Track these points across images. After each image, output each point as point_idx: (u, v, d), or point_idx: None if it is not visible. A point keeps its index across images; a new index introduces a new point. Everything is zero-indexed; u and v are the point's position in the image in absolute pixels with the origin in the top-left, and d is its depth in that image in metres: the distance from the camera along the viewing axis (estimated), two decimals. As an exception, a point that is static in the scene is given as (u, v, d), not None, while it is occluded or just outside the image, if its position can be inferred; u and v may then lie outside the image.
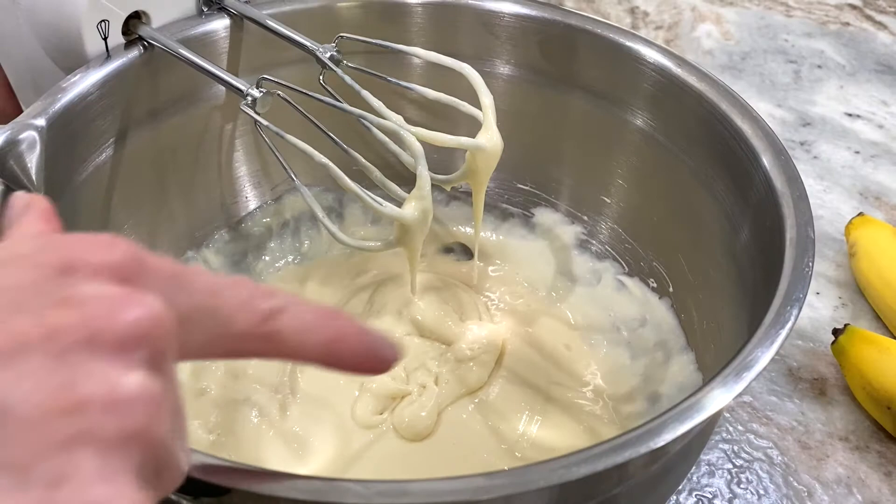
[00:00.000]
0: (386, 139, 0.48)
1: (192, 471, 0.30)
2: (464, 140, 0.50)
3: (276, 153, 0.48)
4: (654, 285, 0.57)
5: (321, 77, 0.51)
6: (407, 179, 0.48)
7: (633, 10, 0.96)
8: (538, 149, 0.61)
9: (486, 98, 0.50)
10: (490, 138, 0.50)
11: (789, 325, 0.36)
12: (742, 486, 0.52)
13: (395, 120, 0.48)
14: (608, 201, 0.59)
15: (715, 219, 0.49)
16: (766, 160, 0.45)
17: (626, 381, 0.55)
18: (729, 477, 0.52)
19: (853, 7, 0.97)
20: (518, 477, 0.31)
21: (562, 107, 0.58)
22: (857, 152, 0.77)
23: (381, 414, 0.52)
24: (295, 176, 0.47)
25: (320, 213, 0.48)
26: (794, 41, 0.92)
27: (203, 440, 0.51)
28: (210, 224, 0.59)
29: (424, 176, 0.48)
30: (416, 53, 0.52)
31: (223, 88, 0.53)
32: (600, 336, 0.57)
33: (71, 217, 0.48)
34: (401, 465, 0.50)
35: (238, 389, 0.54)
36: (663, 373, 0.53)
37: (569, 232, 0.61)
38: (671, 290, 0.55)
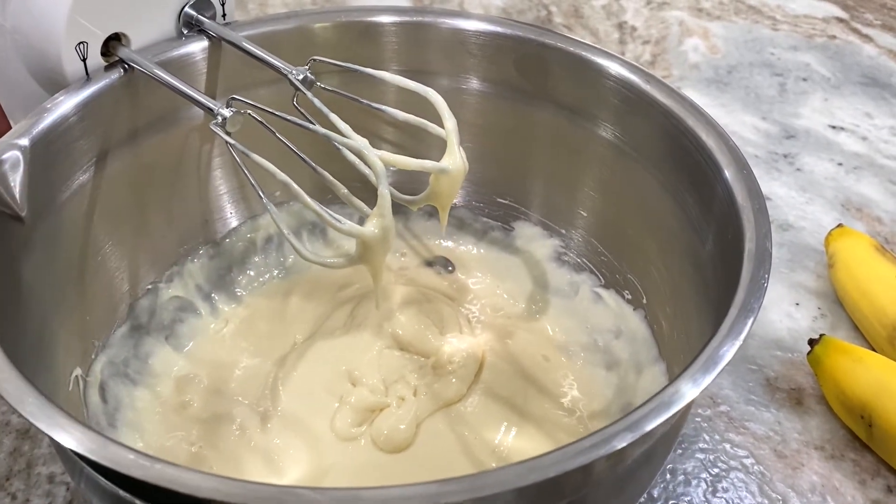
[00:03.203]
0: (355, 159, 0.50)
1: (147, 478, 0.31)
2: (427, 163, 0.51)
3: (245, 171, 0.49)
4: (629, 297, 0.58)
5: (294, 99, 0.52)
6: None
7: (620, 26, 0.97)
8: (516, 164, 0.62)
9: (450, 122, 0.51)
10: (453, 162, 0.51)
11: (743, 335, 0.37)
12: (718, 494, 0.53)
13: (360, 142, 0.49)
14: (584, 214, 0.60)
15: (683, 231, 0.50)
16: (729, 174, 0.46)
17: (600, 392, 0.55)
18: (705, 486, 0.53)
19: (839, 20, 0.98)
20: (471, 483, 0.31)
21: (537, 122, 0.59)
22: (840, 164, 0.77)
23: (360, 426, 0.53)
24: (263, 193, 0.48)
25: (285, 230, 0.49)
26: (780, 54, 0.93)
27: (185, 452, 0.52)
28: (193, 240, 0.60)
29: (385, 195, 0.49)
30: (383, 78, 0.53)
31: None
32: (577, 347, 0.58)
33: (53, 235, 0.49)
34: (378, 476, 0.51)
35: (220, 403, 0.54)
36: (636, 383, 0.54)
37: (547, 245, 0.62)
38: (644, 301, 0.56)
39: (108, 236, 0.54)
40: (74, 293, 0.52)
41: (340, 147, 0.49)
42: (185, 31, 0.55)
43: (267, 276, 0.62)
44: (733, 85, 0.88)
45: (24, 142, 0.46)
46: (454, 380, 0.55)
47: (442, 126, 0.51)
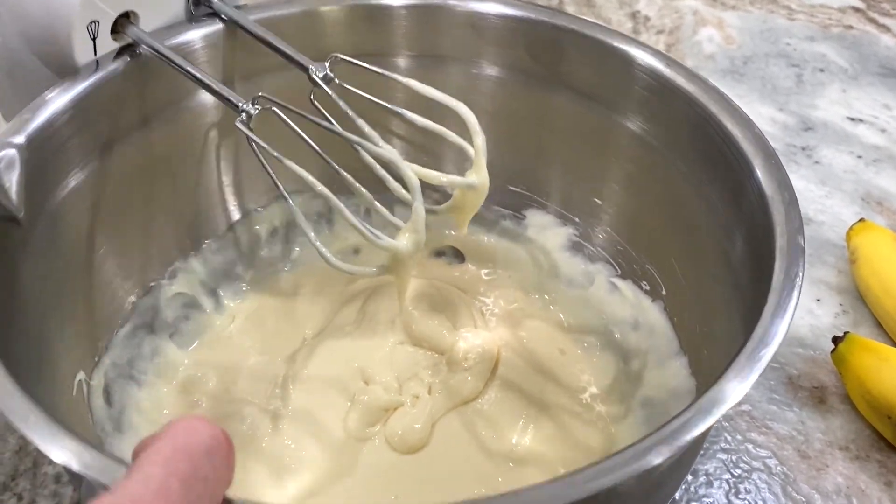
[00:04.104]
0: (374, 163, 0.48)
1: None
2: (456, 180, 0.50)
3: (269, 170, 0.47)
4: (647, 288, 0.56)
5: (311, 94, 0.50)
6: (388, 196, 0.48)
7: (634, 15, 0.95)
8: (529, 151, 0.59)
9: (479, 139, 0.50)
10: (481, 178, 0.50)
11: (777, 340, 0.35)
12: (741, 496, 0.51)
13: (391, 153, 0.48)
14: (600, 203, 0.58)
15: (708, 224, 0.48)
16: (757, 164, 0.44)
17: (619, 385, 0.54)
18: (727, 487, 0.52)
19: (856, 10, 0.97)
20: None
21: (552, 108, 0.57)
22: (860, 157, 0.76)
23: (374, 426, 0.52)
24: (288, 195, 0.47)
25: (312, 235, 0.48)
26: (796, 45, 0.91)
27: None
28: (196, 235, 0.58)
29: (420, 213, 0.48)
30: (411, 85, 0.51)
31: (204, 99, 0.52)
32: (593, 338, 0.57)
33: (51, 236, 0.47)
34: (393, 478, 0.50)
35: (229, 404, 0.53)
36: (656, 377, 0.52)
37: (561, 234, 0.61)
38: (664, 293, 0.54)
39: (108, 234, 0.52)
40: (75, 295, 0.50)
41: (365, 154, 0.48)
42: (194, 12, 0.53)
43: (273, 270, 0.61)
44: (749, 76, 0.86)
45: (20, 139, 0.44)
46: (469, 377, 0.53)
47: (459, 133, 0.50)
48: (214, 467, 0.28)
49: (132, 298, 0.54)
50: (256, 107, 0.47)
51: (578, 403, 0.53)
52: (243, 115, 0.47)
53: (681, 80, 0.50)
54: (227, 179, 0.59)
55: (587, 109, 0.55)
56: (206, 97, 0.54)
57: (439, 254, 0.63)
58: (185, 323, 0.57)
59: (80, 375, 0.49)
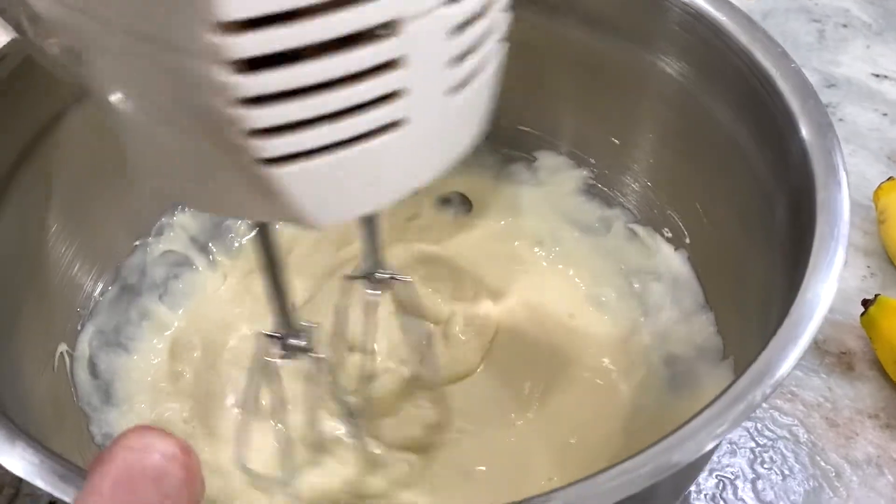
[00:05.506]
0: None
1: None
2: None
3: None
4: (669, 235, 0.53)
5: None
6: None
7: (646, -30, 0.92)
8: (539, 88, 0.55)
9: None
10: None
11: (821, 311, 0.32)
12: (766, 465, 0.49)
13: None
14: (617, 143, 0.54)
15: (738, 166, 0.45)
16: (794, 104, 0.41)
17: (638, 340, 0.51)
18: (752, 456, 0.49)
19: (879, -37, 0.93)
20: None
21: (560, 39, 0.52)
22: (885, 114, 0.73)
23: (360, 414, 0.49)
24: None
25: None
26: (817, -1, 0.87)
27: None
28: None
29: None
30: None
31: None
32: (610, 291, 0.54)
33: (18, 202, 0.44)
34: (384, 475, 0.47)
35: (214, 380, 0.50)
36: (680, 332, 0.49)
37: (575, 177, 0.57)
38: (688, 241, 0.51)
39: (80, 196, 0.48)
40: (49, 262, 0.47)
41: None
42: None
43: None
44: (769, 31, 0.82)
45: None
46: (465, 351, 0.51)
47: None
48: (164, 495, 0.24)
49: (115, 261, 0.52)
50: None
51: (589, 370, 0.51)
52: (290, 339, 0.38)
53: (707, 7, 0.46)
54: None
55: (601, 41, 0.51)
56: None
57: (445, 201, 0.59)
58: (174, 282, 0.54)
59: (62, 347, 0.47)
